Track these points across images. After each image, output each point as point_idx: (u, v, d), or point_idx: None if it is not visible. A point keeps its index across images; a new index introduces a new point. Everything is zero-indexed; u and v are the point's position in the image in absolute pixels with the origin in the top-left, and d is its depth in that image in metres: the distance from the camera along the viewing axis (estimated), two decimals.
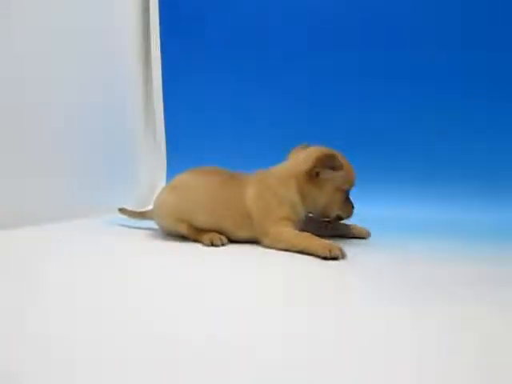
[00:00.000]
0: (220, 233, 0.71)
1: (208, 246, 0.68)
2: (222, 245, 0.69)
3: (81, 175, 1.01)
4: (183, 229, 0.72)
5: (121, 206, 0.92)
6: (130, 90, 1.29)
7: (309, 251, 0.61)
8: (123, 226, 0.90)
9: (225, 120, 1.41)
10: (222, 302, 0.40)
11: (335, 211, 0.72)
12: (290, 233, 0.66)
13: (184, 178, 0.76)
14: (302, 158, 0.71)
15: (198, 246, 0.69)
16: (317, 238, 0.63)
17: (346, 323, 0.35)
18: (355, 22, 1.31)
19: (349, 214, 0.74)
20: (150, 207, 0.85)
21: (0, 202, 0.77)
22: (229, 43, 1.41)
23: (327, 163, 0.67)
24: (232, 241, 0.71)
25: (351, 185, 0.72)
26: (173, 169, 1.33)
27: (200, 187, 0.72)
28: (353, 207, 0.74)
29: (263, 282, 0.48)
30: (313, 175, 0.68)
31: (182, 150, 1.38)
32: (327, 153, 0.68)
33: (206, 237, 0.69)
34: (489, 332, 0.33)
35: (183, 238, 0.73)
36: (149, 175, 1.29)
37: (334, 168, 0.68)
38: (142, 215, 0.89)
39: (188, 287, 0.45)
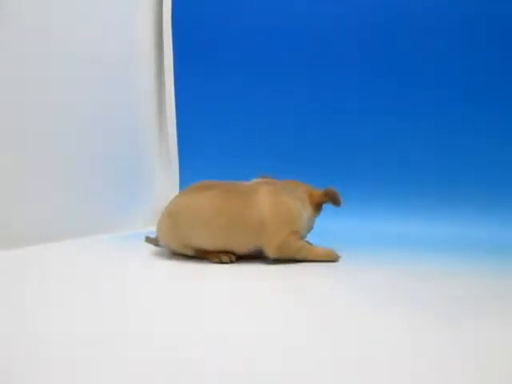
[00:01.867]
0: (228, 251, 0.71)
1: (217, 263, 0.69)
2: (231, 262, 0.70)
3: (91, 191, 1.02)
4: (190, 252, 0.72)
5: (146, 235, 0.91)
6: (143, 105, 1.31)
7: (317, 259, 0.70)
8: (135, 241, 0.92)
9: (237, 136, 1.41)
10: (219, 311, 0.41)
11: None
12: (301, 243, 0.70)
13: (180, 200, 0.73)
14: (304, 186, 0.78)
15: (208, 264, 0.70)
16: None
17: (347, 339, 0.35)
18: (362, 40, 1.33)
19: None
20: None
21: (15, 219, 0.79)
22: (242, 61, 1.42)
23: (334, 197, 0.75)
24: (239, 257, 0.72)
25: None
26: (185, 184, 1.34)
27: (199, 207, 0.69)
28: None
29: (263, 296, 0.50)
30: (321, 205, 0.78)
31: (194, 165, 1.39)
32: (334, 189, 0.76)
33: (214, 255, 0.70)
34: (489, 344, 0.34)
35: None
36: (161, 191, 1.31)
37: (336, 202, 0.75)
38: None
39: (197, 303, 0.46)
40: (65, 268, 0.64)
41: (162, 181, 1.34)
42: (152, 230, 0.89)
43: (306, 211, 0.74)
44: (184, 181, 1.38)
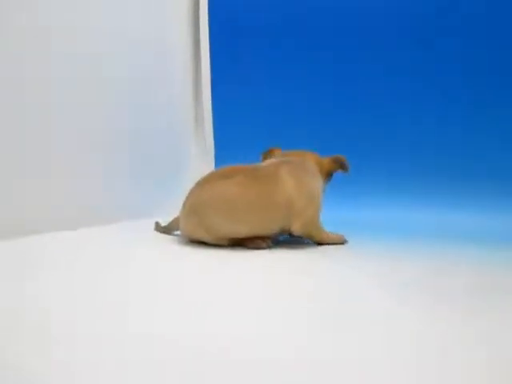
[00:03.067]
0: (258, 236, 0.67)
1: (255, 249, 0.66)
2: (269, 247, 0.67)
3: (126, 180, 1.01)
4: (224, 242, 0.68)
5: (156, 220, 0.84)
6: (180, 97, 1.30)
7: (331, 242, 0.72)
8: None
9: (272, 128, 1.40)
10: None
11: None
12: (321, 225, 0.72)
13: (206, 191, 0.67)
14: (311, 155, 0.76)
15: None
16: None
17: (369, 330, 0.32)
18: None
19: None
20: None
21: (39, 205, 0.77)
22: (278, 54, 1.42)
23: (342, 163, 0.75)
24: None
25: None
26: None
27: (228, 195, 0.65)
28: None
29: (274, 284, 0.47)
30: (332, 174, 0.77)
31: (229, 157, 1.38)
32: (341, 156, 0.76)
33: (252, 242, 0.67)
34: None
35: None
36: (197, 178, 1.30)
37: (345, 169, 0.76)
38: (170, 228, 0.80)
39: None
40: (91, 253, 0.63)
41: (198, 167, 1.32)
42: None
43: (321, 184, 0.74)
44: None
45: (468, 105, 1.22)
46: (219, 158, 1.40)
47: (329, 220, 0.76)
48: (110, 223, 0.89)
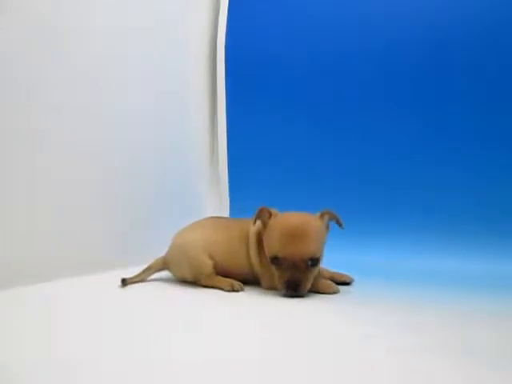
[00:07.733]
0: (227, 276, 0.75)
1: (230, 291, 0.71)
2: (242, 290, 0.72)
3: (139, 223, 1.05)
4: (209, 267, 0.74)
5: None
6: (195, 140, 1.38)
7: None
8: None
9: (288, 170, 1.43)
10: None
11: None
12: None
13: (198, 222, 0.83)
14: None
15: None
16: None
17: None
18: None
19: (280, 288, 0.66)
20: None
21: (47, 251, 0.79)
22: (293, 96, 1.45)
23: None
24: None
25: (276, 255, 0.65)
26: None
27: (217, 227, 0.79)
28: (288, 285, 0.64)
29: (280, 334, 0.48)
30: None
31: (244, 200, 1.42)
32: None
33: (225, 282, 0.73)
34: None
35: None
36: None
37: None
38: (149, 270, 0.80)
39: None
40: (97, 302, 0.64)
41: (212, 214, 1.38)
42: None
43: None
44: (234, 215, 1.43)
45: (471, 148, 1.19)
46: (234, 208, 1.47)
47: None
48: (113, 269, 0.89)
